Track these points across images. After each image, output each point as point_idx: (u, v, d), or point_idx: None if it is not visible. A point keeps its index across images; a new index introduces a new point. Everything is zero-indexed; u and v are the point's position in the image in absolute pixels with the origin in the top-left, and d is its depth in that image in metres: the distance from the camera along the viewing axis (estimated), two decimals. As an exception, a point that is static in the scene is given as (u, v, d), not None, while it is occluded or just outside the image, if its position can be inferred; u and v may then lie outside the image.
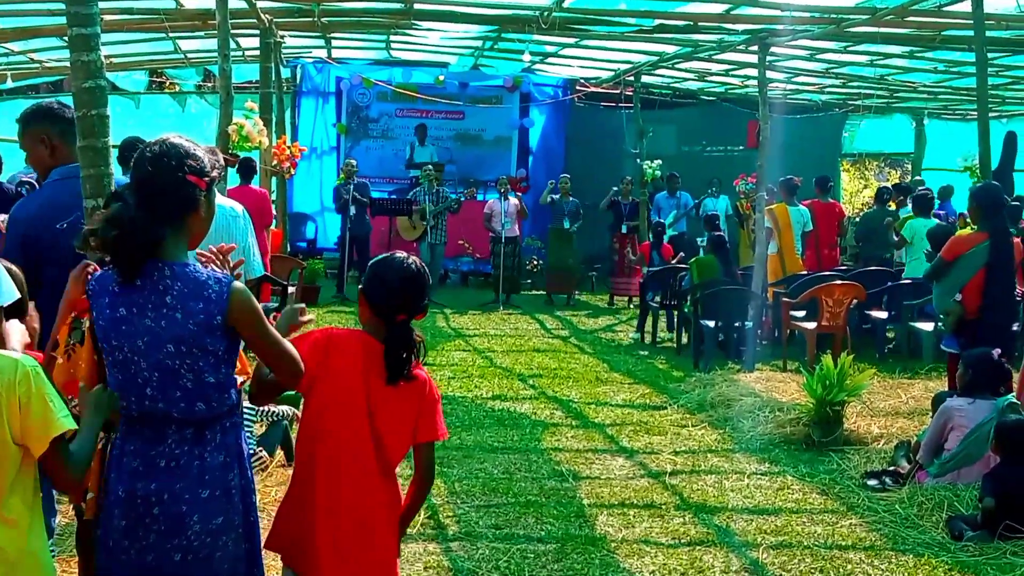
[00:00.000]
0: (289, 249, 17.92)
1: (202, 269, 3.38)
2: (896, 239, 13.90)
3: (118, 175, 4.44)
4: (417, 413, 3.75)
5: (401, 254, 3.85)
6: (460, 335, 14.19)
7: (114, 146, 4.41)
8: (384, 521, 3.76)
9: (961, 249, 8.57)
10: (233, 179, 12.17)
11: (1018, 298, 8.98)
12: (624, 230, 18.42)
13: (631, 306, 17.61)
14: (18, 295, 3.46)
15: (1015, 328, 8.93)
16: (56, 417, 3.07)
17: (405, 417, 3.73)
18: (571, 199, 18.16)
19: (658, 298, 14.62)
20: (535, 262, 19.76)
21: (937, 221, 13.33)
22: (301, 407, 3.95)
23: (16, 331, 3.47)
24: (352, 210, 16.91)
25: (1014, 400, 7.41)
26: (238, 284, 3.38)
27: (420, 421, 3.76)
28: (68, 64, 4.29)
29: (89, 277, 3.46)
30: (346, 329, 3.83)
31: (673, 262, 15.57)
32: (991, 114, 15.00)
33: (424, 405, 3.77)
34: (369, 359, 3.66)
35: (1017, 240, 8.96)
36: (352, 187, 16.99)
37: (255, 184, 13.48)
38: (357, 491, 3.67)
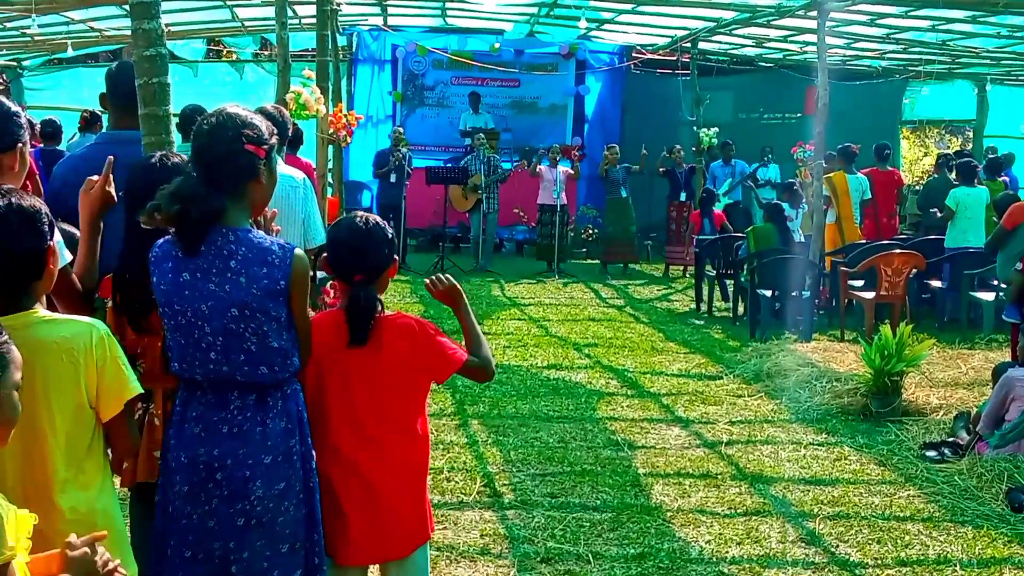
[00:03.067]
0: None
1: (265, 236, 3.41)
2: (941, 214, 13.68)
3: (178, 143, 4.49)
4: (419, 358, 3.69)
5: (358, 214, 3.80)
6: (515, 304, 14.21)
7: (174, 114, 4.46)
8: (406, 484, 3.72)
9: (1021, 217, 8.45)
10: (282, 149, 12.23)
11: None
12: (683, 198, 18.32)
13: (686, 275, 17.54)
14: (68, 256, 3.51)
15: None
16: (129, 380, 3.12)
17: (401, 370, 3.67)
18: (621, 166, 18.05)
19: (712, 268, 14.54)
20: (590, 231, 19.71)
21: (982, 189, 13.13)
22: None
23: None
24: (393, 177, 16.91)
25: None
26: (300, 252, 3.42)
27: (430, 363, 3.72)
28: (128, 33, 4.34)
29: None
30: (318, 313, 3.78)
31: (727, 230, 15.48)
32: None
33: (420, 347, 3.70)
34: (339, 329, 3.62)
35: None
36: (399, 154, 16.98)
37: (304, 155, 13.53)
38: (373, 461, 3.65)
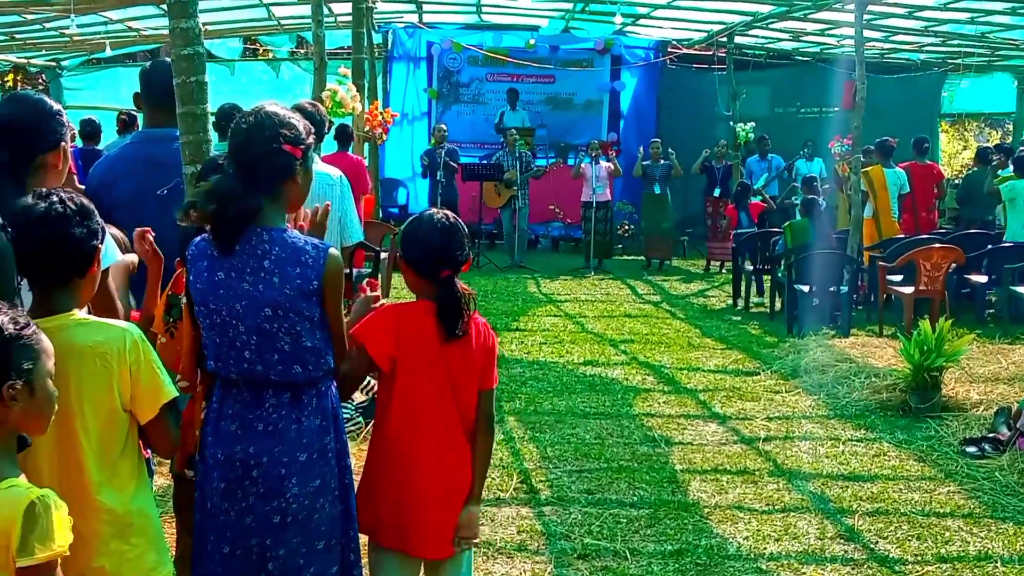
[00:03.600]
0: (381, 215, 18.05)
1: (299, 235, 3.42)
2: (991, 187, 13.54)
3: (215, 141, 4.52)
4: (483, 362, 3.75)
5: (431, 211, 3.83)
6: (551, 300, 14.20)
7: (211, 113, 4.49)
8: (468, 481, 3.77)
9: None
10: (329, 146, 12.27)
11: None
12: (717, 194, 18.25)
13: (723, 271, 17.47)
14: (120, 256, 3.54)
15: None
16: (164, 384, 3.14)
17: (472, 369, 3.73)
18: (662, 162, 18.01)
19: (749, 263, 14.47)
20: (627, 227, 19.67)
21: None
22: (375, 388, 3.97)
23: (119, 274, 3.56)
24: (440, 175, 16.97)
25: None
26: (334, 251, 3.42)
27: (486, 367, 3.77)
28: (165, 32, 4.36)
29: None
30: (405, 302, 3.82)
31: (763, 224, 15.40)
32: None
33: (487, 354, 3.77)
34: (429, 322, 3.65)
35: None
36: (443, 152, 17.06)
37: (351, 151, 13.59)
38: (452, 454, 3.70)
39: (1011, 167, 13.84)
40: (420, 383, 3.65)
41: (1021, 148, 15.36)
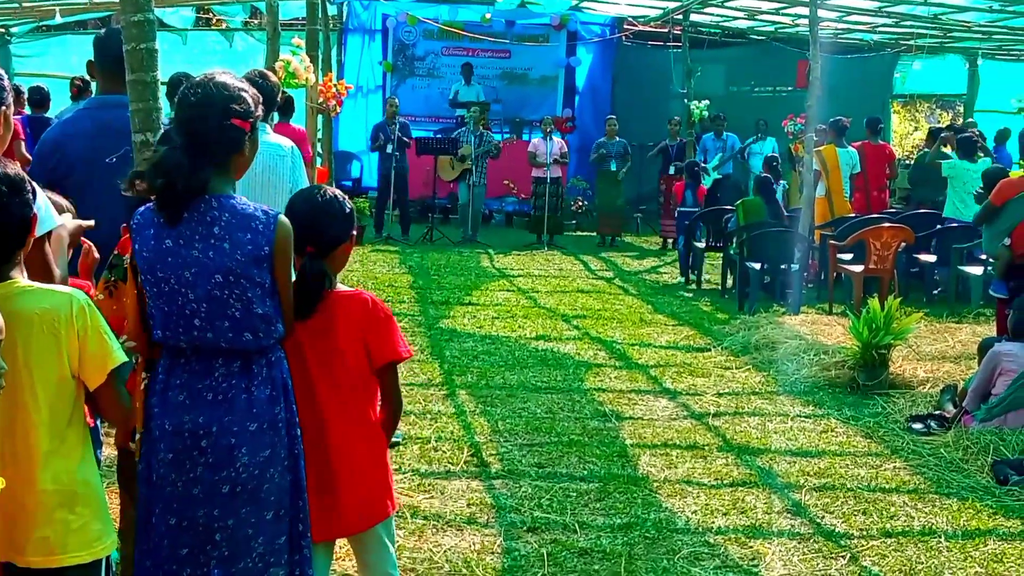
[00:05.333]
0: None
1: (248, 202, 3.39)
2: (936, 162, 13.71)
3: (167, 110, 4.47)
4: (363, 336, 3.68)
5: (320, 186, 3.79)
6: (504, 275, 14.20)
7: (162, 83, 4.43)
8: (359, 462, 3.71)
9: (1010, 193, 8.47)
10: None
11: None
12: (672, 171, 18.30)
13: (674, 247, 17.54)
14: (58, 223, 3.49)
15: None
16: (112, 349, 3.11)
17: (355, 348, 3.67)
18: (617, 139, 18.02)
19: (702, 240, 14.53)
20: (581, 203, 19.69)
21: (984, 161, 13.15)
22: None
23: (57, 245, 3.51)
24: (392, 149, 16.90)
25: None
26: (284, 218, 3.40)
27: (370, 344, 3.69)
28: (116, 0, 4.30)
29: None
30: None
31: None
32: (1047, 54, 14.74)
33: (370, 326, 3.69)
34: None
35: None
36: (396, 126, 16.98)
37: (295, 122, 13.48)
38: (325, 437, 3.65)
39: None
40: (289, 365, 3.57)
41: (968, 129, 15.52)
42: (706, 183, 16.90)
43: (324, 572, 3.87)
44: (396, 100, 17.87)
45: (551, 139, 17.25)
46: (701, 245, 14.27)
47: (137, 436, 3.46)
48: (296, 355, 3.61)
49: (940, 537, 5.57)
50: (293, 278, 3.55)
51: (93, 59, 5.16)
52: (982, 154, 13.87)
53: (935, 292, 12.85)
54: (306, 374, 3.64)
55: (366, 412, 3.75)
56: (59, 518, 3.07)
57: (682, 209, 15.73)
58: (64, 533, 3.08)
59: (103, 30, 5.27)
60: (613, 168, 17.87)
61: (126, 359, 3.17)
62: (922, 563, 5.25)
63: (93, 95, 4.94)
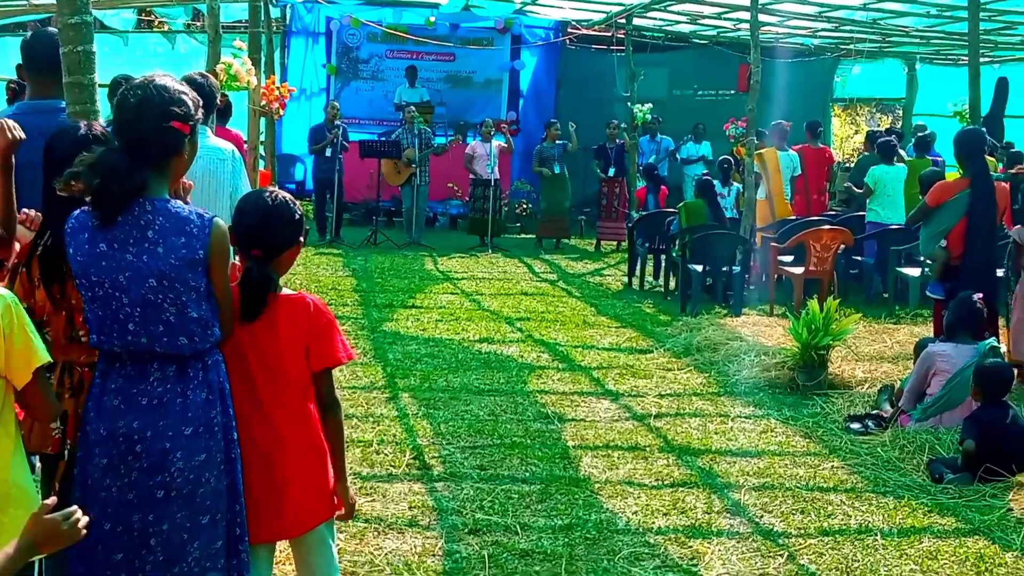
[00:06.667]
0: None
1: (183, 205, 3.37)
2: (860, 191, 13.89)
3: (106, 112, 4.44)
4: (305, 340, 3.65)
5: (270, 189, 3.75)
6: (448, 278, 14.20)
7: (103, 85, 4.41)
8: (299, 465, 3.68)
9: (945, 196, 8.59)
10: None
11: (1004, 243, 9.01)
12: (612, 173, 18.38)
13: (619, 250, 17.64)
14: None
15: (999, 274, 8.98)
16: (37, 348, 3.08)
17: (296, 350, 3.64)
18: (558, 143, 18.05)
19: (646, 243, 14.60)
20: (524, 206, 19.73)
21: (901, 167, 13.37)
22: None
23: None
24: (328, 151, 16.84)
25: (995, 344, 7.47)
26: (219, 221, 3.39)
27: (311, 348, 3.67)
28: (55, 1, 4.27)
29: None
30: None
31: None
32: (983, 59, 14.98)
33: (312, 330, 3.66)
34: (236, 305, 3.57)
35: (1003, 185, 8.97)
36: (336, 129, 16.91)
37: (235, 126, 13.42)
38: (265, 439, 3.62)
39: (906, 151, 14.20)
40: (228, 369, 3.55)
41: (919, 133, 15.73)
42: (640, 184, 17.06)
43: (266, 574, 3.86)
44: (337, 103, 17.82)
45: (489, 142, 17.27)
46: (644, 248, 14.34)
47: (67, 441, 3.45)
48: (238, 357, 3.59)
49: (876, 535, 5.65)
50: (236, 281, 3.54)
51: (21, 63, 5.10)
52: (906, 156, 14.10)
53: (873, 293, 13.01)
54: (248, 376, 3.62)
55: (308, 413, 3.72)
56: (-10, 520, 3.04)
57: (644, 213, 15.80)
58: (-3, 535, 3.05)
59: (29, 33, 5.22)
60: (557, 171, 17.91)
61: (50, 359, 3.15)
62: (859, 561, 5.32)
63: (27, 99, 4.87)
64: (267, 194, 3.70)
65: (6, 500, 3.08)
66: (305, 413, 3.71)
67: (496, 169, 17.29)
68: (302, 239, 3.77)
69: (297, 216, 3.71)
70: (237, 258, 3.68)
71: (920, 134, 14.89)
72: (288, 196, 3.74)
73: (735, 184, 14.54)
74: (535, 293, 13.30)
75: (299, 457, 3.68)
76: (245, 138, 11.72)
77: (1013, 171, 10.23)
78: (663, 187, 16.66)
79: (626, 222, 15.91)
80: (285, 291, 3.70)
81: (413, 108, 17.79)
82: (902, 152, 14.88)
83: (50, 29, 4.54)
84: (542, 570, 5.09)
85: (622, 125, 18.74)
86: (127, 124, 3.32)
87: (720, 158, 15.82)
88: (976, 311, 7.57)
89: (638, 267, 14.35)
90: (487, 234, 17.13)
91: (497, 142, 17.47)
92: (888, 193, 12.98)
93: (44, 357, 3.10)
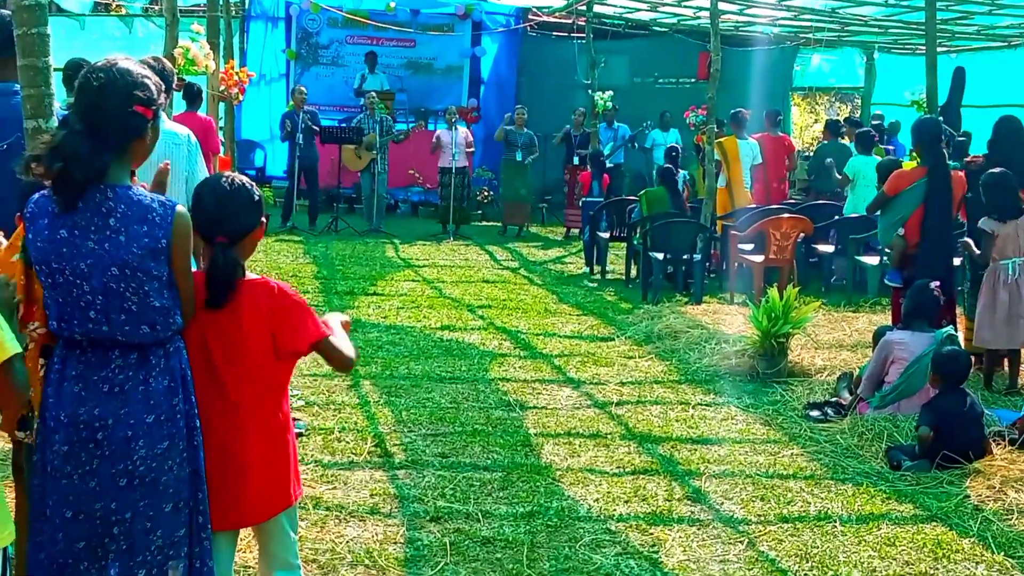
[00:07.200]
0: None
1: (145, 193, 3.34)
2: (839, 177, 14.01)
3: (61, 97, 4.38)
4: (269, 323, 3.59)
5: (226, 174, 3.70)
6: (409, 265, 14.17)
7: (57, 69, 4.35)
8: (262, 450, 3.65)
9: (902, 184, 8.65)
10: (179, 105, 12.00)
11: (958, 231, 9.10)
12: (576, 162, 18.40)
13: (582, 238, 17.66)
14: None
15: (956, 262, 9.06)
16: (5, 339, 3.04)
17: (259, 335, 3.58)
18: (525, 131, 18.06)
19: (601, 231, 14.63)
20: (486, 193, 19.72)
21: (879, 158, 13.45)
22: None
23: None
24: (300, 138, 16.77)
25: (952, 332, 7.53)
26: (182, 208, 3.35)
27: (279, 332, 3.60)
28: (9, -19, 4.20)
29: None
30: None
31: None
32: (940, 49, 15.08)
33: (276, 314, 3.59)
34: (200, 292, 3.52)
35: (959, 174, 9.04)
36: (304, 115, 16.86)
37: (201, 111, 13.32)
38: (228, 426, 3.58)
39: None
40: (189, 355, 3.51)
41: (873, 121, 15.84)
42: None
43: (228, 562, 3.83)
44: (304, 89, 17.73)
45: (456, 129, 17.24)
46: (605, 235, 14.37)
47: (34, 426, 3.40)
48: (200, 343, 3.56)
49: (835, 522, 5.69)
50: (199, 268, 3.51)
51: None
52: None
53: (832, 281, 13.10)
54: (211, 361, 3.57)
55: (271, 399, 3.68)
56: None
57: (588, 199, 15.83)
58: (-41, 526, 3.01)
59: None
60: (519, 158, 17.91)
61: (19, 350, 3.10)
62: (817, 547, 5.35)
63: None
64: (224, 179, 3.64)
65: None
66: (268, 398, 3.67)
67: (462, 157, 17.25)
68: (264, 220, 3.73)
69: (256, 198, 3.67)
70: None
71: (875, 123, 14.97)
72: (245, 179, 3.69)
73: (682, 171, 14.58)
74: (497, 281, 13.30)
75: (260, 445, 3.65)
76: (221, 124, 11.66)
77: (967, 160, 10.30)
78: (606, 175, 16.66)
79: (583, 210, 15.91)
80: (249, 275, 3.66)
81: (374, 95, 17.72)
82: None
83: (3, 12, 4.47)
84: (504, 557, 5.09)
85: (581, 111, 18.77)
86: (90, 107, 3.27)
87: (668, 146, 15.86)
88: (933, 299, 7.62)
89: (594, 255, 14.37)
90: (450, 222, 17.10)
91: (463, 129, 17.43)
92: (867, 184, 13.04)
93: (11, 349, 3.05)
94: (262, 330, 3.60)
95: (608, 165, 17.43)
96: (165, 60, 6.22)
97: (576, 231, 18.04)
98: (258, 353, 3.61)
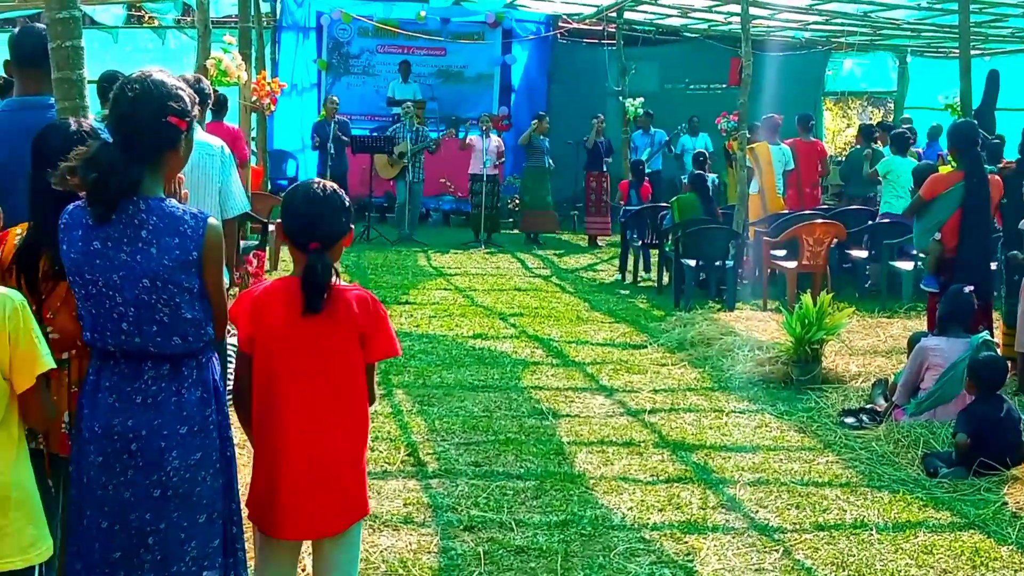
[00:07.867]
0: (269, 187, 17.81)
1: (177, 204, 3.35)
2: (870, 171, 13.92)
3: (96, 108, 4.40)
4: (361, 333, 3.63)
5: (315, 180, 3.73)
6: (441, 274, 14.18)
7: (92, 81, 4.37)
8: (348, 458, 3.67)
9: (939, 188, 8.59)
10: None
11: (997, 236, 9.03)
12: (604, 168, 18.35)
13: (606, 245, 17.64)
14: None
15: (993, 266, 8.98)
16: (41, 353, 3.06)
17: (352, 342, 3.61)
18: (543, 137, 17.96)
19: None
20: (516, 200, 19.71)
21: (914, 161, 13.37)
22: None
23: None
24: (331, 148, 16.82)
25: (988, 337, 7.46)
26: (213, 221, 3.37)
27: (368, 340, 3.65)
28: (46, -2, 4.23)
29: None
30: (273, 280, 3.73)
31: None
32: (974, 52, 14.99)
33: (369, 323, 3.63)
34: (294, 297, 3.55)
35: (996, 178, 8.97)
36: (335, 125, 16.91)
37: (229, 121, 13.38)
38: (319, 433, 3.59)
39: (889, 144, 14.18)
40: (276, 362, 3.55)
41: (903, 125, 15.73)
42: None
43: (292, 571, 3.83)
44: (335, 98, 17.78)
45: (488, 137, 17.24)
46: (637, 243, 14.34)
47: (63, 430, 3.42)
48: (292, 350, 3.57)
49: (871, 529, 5.64)
50: (230, 279, 3.52)
51: (9, 58, 5.05)
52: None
53: (866, 287, 13.01)
54: (302, 367, 3.58)
55: (356, 406, 3.70)
56: (-9, 523, 3.02)
57: (628, 207, 15.78)
58: (-3, 538, 3.03)
59: (16, 29, 5.17)
60: (545, 164, 17.85)
61: (54, 365, 3.12)
62: (854, 555, 5.31)
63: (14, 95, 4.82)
64: (315, 186, 3.67)
65: (6, 503, 3.06)
66: (354, 404, 3.69)
67: (493, 166, 17.24)
68: (352, 226, 3.76)
69: (347, 203, 3.70)
70: (253, 255, 3.67)
71: (897, 130, 14.86)
72: (334, 185, 3.73)
73: (711, 176, 14.53)
74: (528, 289, 13.29)
75: (345, 454, 3.66)
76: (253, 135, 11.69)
77: (1000, 165, 10.22)
78: (646, 183, 16.62)
79: (620, 216, 15.86)
80: (339, 283, 3.67)
81: (411, 104, 17.73)
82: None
83: (38, 25, 4.50)
84: (538, 567, 5.08)
85: (601, 118, 18.69)
86: (124, 117, 3.30)
87: (695, 151, 15.81)
88: (968, 304, 7.56)
89: (629, 262, 14.34)
90: (481, 230, 17.08)
91: (494, 138, 17.41)
92: (902, 184, 12.95)
93: (48, 363, 3.08)
94: (353, 335, 3.62)
95: (647, 171, 17.38)
96: (204, 78, 6.27)
97: (603, 239, 18.01)
98: (349, 358, 3.63)
